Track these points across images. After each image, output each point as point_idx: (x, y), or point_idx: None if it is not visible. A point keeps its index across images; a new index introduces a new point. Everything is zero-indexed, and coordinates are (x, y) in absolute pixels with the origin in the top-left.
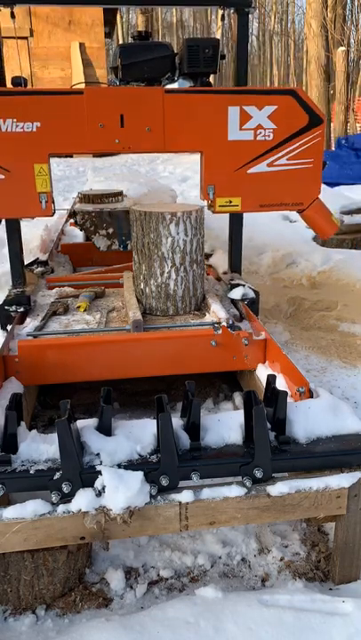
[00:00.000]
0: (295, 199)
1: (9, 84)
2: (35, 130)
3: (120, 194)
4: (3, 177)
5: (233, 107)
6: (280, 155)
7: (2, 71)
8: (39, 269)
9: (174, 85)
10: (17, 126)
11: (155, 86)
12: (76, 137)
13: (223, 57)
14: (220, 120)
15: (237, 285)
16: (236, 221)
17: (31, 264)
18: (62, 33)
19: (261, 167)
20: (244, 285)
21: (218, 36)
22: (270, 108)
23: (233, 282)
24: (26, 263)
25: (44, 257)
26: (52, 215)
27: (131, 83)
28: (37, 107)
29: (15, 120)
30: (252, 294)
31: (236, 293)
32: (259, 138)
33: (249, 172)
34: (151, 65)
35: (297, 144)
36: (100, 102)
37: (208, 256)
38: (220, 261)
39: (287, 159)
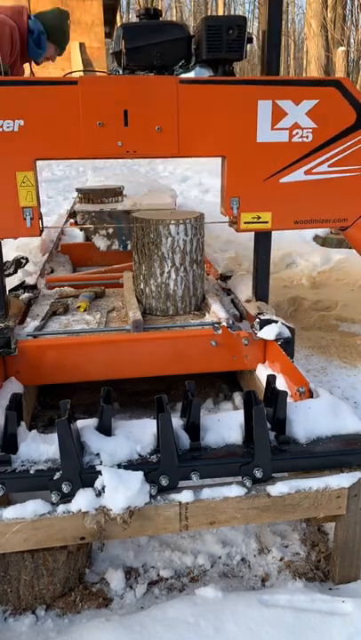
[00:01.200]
0: (337, 214)
1: None
2: (17, 129)
3: (120, 192)
4: None
5: (264, 101)
6: (320, 160)
7: None
8: (26, 295)
9: (190, 75)
10: None
11: (166, 75)
12: (69, 138)
13: (251, 40)
14: (248, 117)
15: (268, 322)
16: (263, 238)
17: (16, 288)
18: None
19: (298, 175)
20: (276, 322)
21: None
22: (310, 102)
23: (262, 317)
24: (9, 288)
25: (31, 280)
26: (40, 234)
27: (137, 71)
28: (20, 100)
29: None
30: (287, 333)
31: (269, 333)
32: (295, 139)
33: (282, 181)
34: (162, 49)
35: (342, 147)
36: (98, 95)
37: (225, 278)
38: (242, 286)
39: (329, 166)
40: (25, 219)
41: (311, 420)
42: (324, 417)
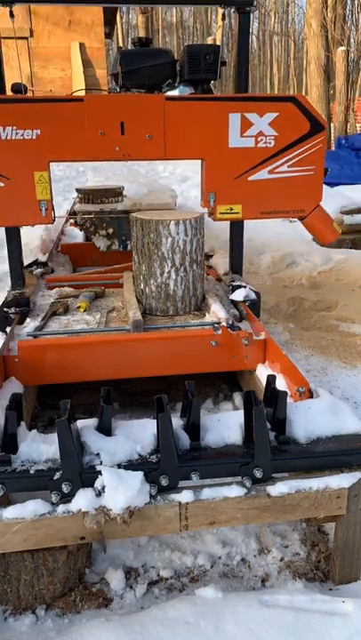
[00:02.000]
0: (296, 206)
1: (8, 91)
2: (35, 137)
3: (120, 193)
4: (3, 185)
5: (234, 114)
6: (281, 162)
7: (2, 78)
8: (38, 270)
9: (175, 92)
10: (17, 134)
11: (155, 93)
12: (76, 144)
13: (224, 63)
14: (221, 127)
15: (239, 287)
16: (236, 223)
17: (30, 265)
18: (62, 33)
19: (262, 174)
20: (245, 287)
21: (218, 35)
22: (271, 114)
23: (234, 283)
24: (25, 264)
25: (43, 258)
26: (52, 222)
27: (132, 89)
28: (37, 114)
29: (15, 128)
30: (253, 296)
31: (238, 295)
32: (260, 145)
33: (250, 179)
34: (152, 71)
35: (298, 151)
36: (100, 110)
37: (208, 257)
38: (221, 262)
39: (288, 166)
40: (41, 209)
41: (311, 420)
42: (324, 417)
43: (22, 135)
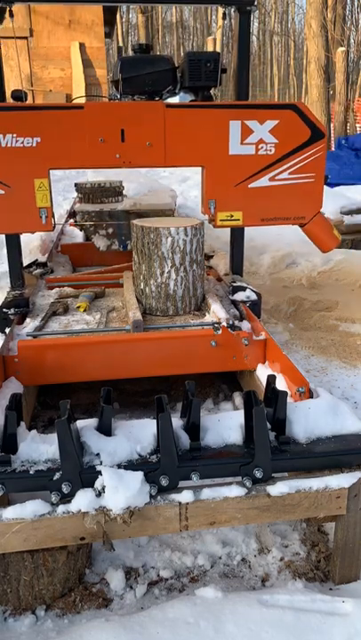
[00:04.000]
0: (297, 213)
1: (9, 99)
2: (35, 145)
3: (120, 192)
4: (3, 192)
5: (234, 121)
6: (282, 169)
7: (2, 85)
8: (38, 271)
9: (175, 99)
10: (17, 141)
11: (156, 100)
12: (77, 152)
13: (224, 70)
14: (222, 134)
15: (240, 288)
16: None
17: (30, 265)
18: (62, 33)
19: (263, 181)
20: (246, 287)
21: (218, 35)
22: (272, 122)
23: (235, 284)
24: (25, 264)
25: (42, 258)
26: (53, 230)
27: (132, 96)
28: (38, 122)
29: (15, 135)
30: (254, 297)
31: (239, 296)
32: (260, 152)
33: (250, 186)
34: (152, 78)
35: (299, 158)
36: (100, 117)
37: (208, 257)
38: (221, 263)
39: (289, 173)
40: (41, 217)
41: (311, 420)
42: (323, 417)
43: (22, 143)
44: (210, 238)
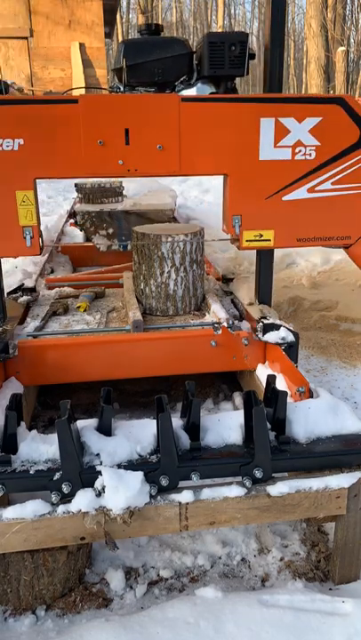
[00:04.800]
0: (341, 232)
1: None
2: (17, 148)
3: (120, 192)
4: None
5: (266, 119)
6: (324, 178)
7: None
8: (25, 298)
9: (192, 91)
10: None
11: (168, 93)
12: (69, 157)
13: (253, 56)
14: (251, 135)
15: (272, 326)
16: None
17: (15, 291)
18: (62, 33)
19: (300, 193)
20: (280, 326)
21: None
22: (313, 120)
23: (266, 321)
24: (8, 290)
25: (30, 282)
26: (40, 253)
27: (138, 88)
28: (20, 119)
29: None
30: (291, 337)
31: (271, 337)
32: (298, 157)
33: (285, 199)
34: (163, 66)
35: (345, 165)
36: (98, 113)
37: (227, 280)
38: (244, 289)
39: (332, 183)
40: (25, 238)
41: (311, 420)
42: (323, 417)
43: (1, 146)
44: (209, 237)
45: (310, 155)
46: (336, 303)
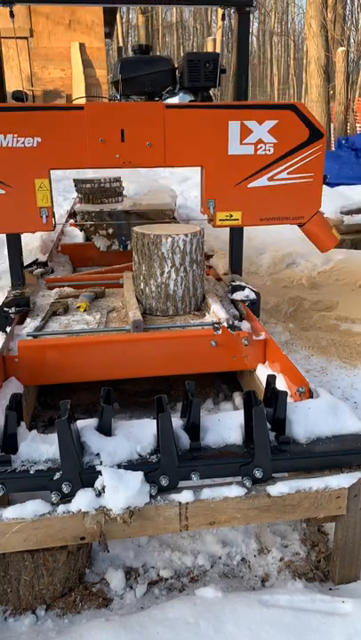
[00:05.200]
0: (295, 213)
1: (10, 99)
2: (35, 145)
3: (120, 192)
4: (3, 192)
5: (233, 121)
6: (280, 169)
7: (2, 86)
8: (38, 270)
9: (175, 99)
10: (18, 142)
11: (155, 101)
12: (77, 152)
13: (224, 71)
14: (221, 135)
15: (238, 287)
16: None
17: (30, 265)
18: (62, 33)
19: (262, 181)
20: (245, 287)
21: (218, 36)
22: (271, 122)
23: (234, 283)
24: (25, 264)
25: (43, 258)
26: (53, 229)
27: (131, 97)
28: (38, 122)
29: (16, 135)
30: (253, 296)
31: (238, 295)
32: (259, 152)
33: (249, 186)
34: (152, 79)
35: (297, 158)
36: (100, 118)
37: (208, 257)
38: (221, 263)
39: (288, 173)
40: (41, 216)
41: (311, 420)
42: (323, 417)
43: (23, 143)
44: (209, 237)
45: (269, 150)
46: (336, 303)
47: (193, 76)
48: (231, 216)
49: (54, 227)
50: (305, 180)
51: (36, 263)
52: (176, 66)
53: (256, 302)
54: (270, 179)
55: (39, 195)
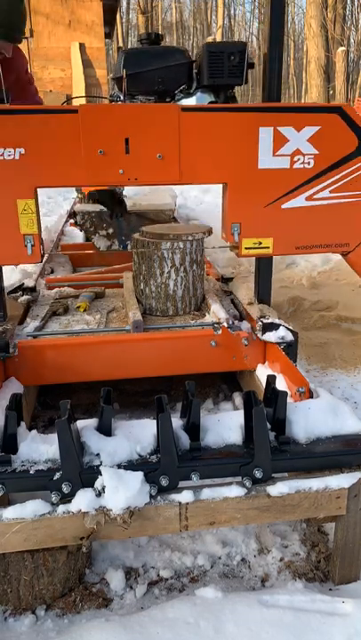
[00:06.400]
0: (339, 240)
1: None
2: (18, 157)
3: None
4: None
5: (265, 127)
6: (322, 186)
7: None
8: (25, 297)
9: (191, 100)
10: None
11: (167, 102)
12: (70, 166)
13: (252, 65)
14: (250, 144)
15: (271, 325)
16: None
17: (15, 291)
18: (62, 33)
19: (299, 201)
20: (279, 325)
21: (218, 36)
22: (311, 129)
23: (265, 320)
24: (9, 290)
25: (30, 282)
26: (41, 261)
27: (137, 97)
28: (21, 129)
29: None
30: (290, 337)
31: (270, 336)
32: (296, 166)
33: (283, 207)
34: (163, 75)
35: (343, 173)
36: (99, 123)
37: (226, 280)
38: (243, 288)
39: (330, 191)
40: (26, 246)
41: (311, 420)
42: (323, 417)
43: (2, 155)
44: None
45: (309, 163)
46: (336, 303)
47: (214, 72)
48: (260, 243)
49: (43, 256)
50: (352, 200)
51: (21, 288)
52: (193, 59)
53: (293, 345)
54: (309, 198)
55: (23, 219)
